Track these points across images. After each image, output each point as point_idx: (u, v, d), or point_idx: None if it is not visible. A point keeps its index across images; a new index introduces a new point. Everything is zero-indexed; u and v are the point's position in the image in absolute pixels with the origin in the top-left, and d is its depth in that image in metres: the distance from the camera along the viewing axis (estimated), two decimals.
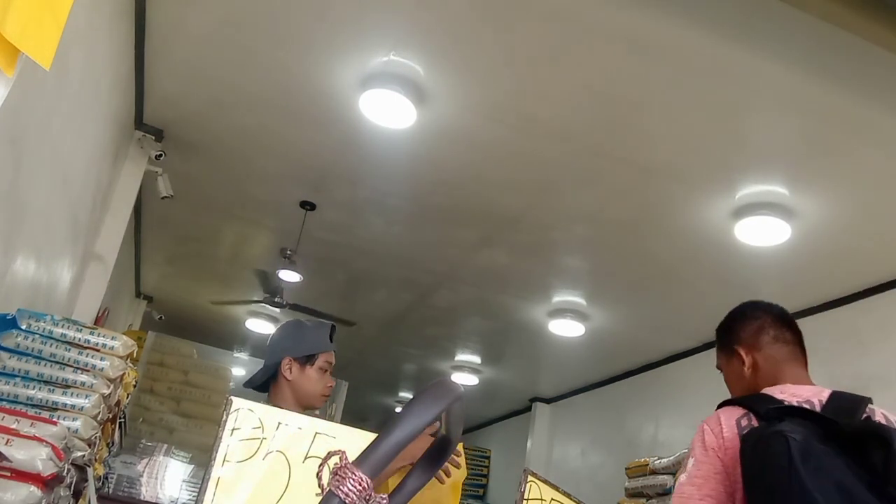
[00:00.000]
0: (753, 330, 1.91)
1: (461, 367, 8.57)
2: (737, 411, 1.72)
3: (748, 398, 1.77)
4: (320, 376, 2.32)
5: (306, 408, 2.34)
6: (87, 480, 2.49)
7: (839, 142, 3.64)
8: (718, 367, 2.01)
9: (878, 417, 1.66)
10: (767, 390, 1.78)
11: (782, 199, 4.11)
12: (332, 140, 4.42)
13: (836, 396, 1.70)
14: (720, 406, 1.78)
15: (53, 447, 1.85)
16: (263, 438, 1.06)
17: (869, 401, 1.65)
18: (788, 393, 1.74)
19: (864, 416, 1.61)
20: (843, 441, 1.48)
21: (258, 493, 1.04)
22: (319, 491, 1.02)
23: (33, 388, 2.38)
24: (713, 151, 3.91)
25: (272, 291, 6.35)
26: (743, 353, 1.90)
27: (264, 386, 2.37)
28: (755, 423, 1.65)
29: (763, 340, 1.89)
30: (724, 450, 1.65)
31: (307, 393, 2.30)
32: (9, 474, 1.76)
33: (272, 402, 2.27)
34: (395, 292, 6.83)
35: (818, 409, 1.65)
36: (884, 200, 4.01)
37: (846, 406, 1.64)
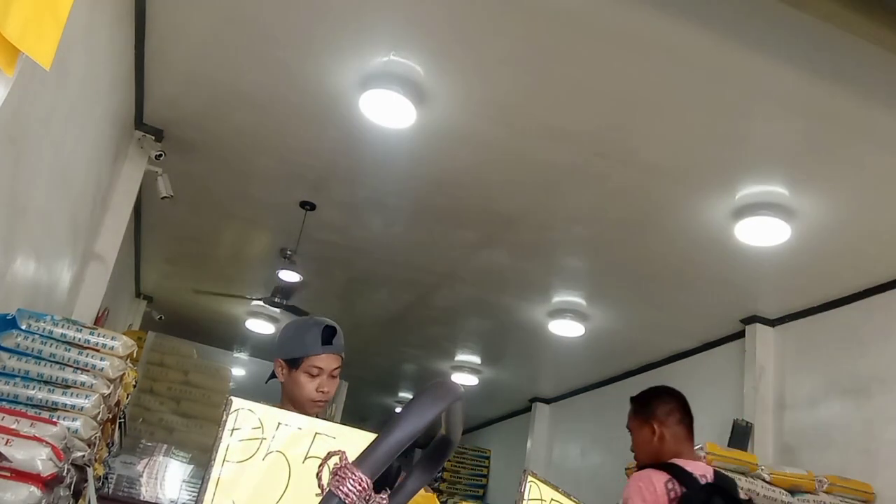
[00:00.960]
0: (667, 410, 2.45)
1: (461, 367, 8.57)
2: (663, 475, 2.25)
3: (670, 466, 2.29)
4: (308, 381, 2.18)
5: (302, 412, 2.14)
6: (87, 480, 2.49)
7: (839, 142, 3.64)
8: (628, 428, 2.53)
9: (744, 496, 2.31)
10: (677, 461, 2.31)
11: (782, 199, 4.11)
12: (332, 140, 4.42)
13: (718, 475, 2.33)
14: (643, 468, 2.35)
15: (53, 447, 1.85)
16: (263, 438, 1.06)
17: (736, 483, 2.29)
18: (692, 466, 2.30)
19: (748, 499, 2.29)
20: None
21: (258, 494, 1.04)
22: (319, 491, 1.03)
23: (33, 388, 2.38)
24: (713, 151, 3.91)
25: (276, 292, 6.33)
26: (656, 427, 2.42)
27: None
28: (677, 487, 2.21)
29: (671, 420, 2.44)
30: None
31: (295, 397, 2.20)
32: (9, 474, 1.76)
33: (280, 402, 2.24)
34: (395, 292, 6.83)
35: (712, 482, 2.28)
36: (884, 200, 4.01)
37: (730, 485, 2.32)
